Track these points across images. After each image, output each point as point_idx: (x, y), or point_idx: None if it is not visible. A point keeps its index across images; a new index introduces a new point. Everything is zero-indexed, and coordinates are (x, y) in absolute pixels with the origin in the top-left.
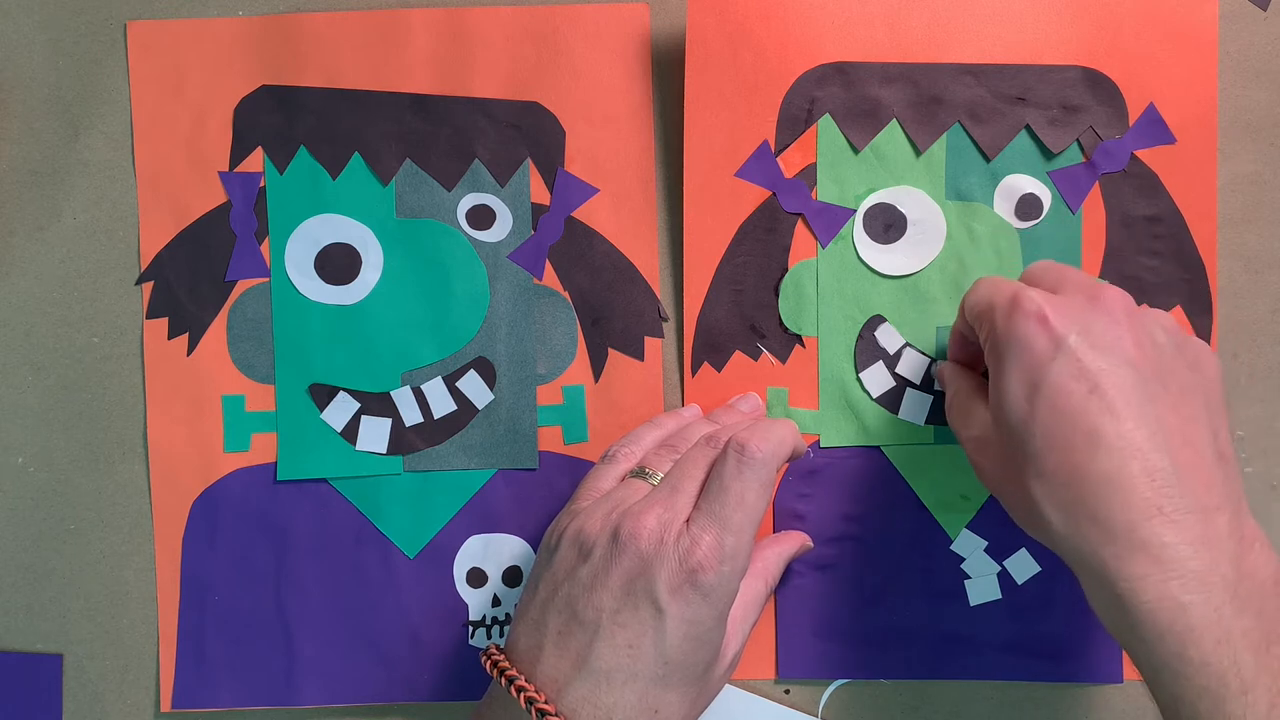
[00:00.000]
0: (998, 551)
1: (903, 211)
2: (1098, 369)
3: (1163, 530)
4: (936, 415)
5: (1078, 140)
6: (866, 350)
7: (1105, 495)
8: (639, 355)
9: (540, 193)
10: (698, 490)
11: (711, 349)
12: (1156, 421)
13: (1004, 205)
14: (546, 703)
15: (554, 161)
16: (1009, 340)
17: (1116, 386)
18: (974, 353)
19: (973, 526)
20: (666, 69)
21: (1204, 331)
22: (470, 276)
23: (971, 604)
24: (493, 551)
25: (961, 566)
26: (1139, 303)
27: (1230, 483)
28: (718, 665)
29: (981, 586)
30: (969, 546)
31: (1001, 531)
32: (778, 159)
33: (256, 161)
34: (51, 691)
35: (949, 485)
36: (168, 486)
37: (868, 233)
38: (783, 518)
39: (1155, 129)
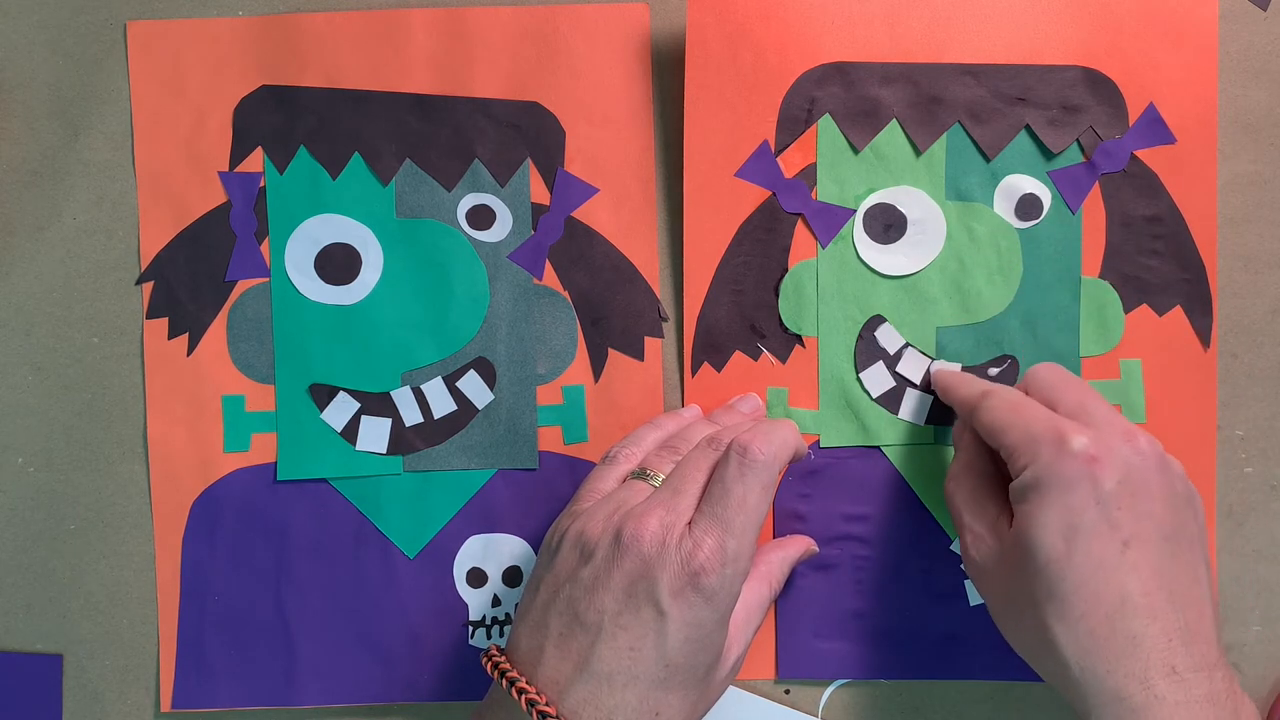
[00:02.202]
0: None
1: (903, 211)
2: (1133, 525)
3: (1175, 689)
4: (936, 415)
5: (1078, 140)
6: (866, 350)
7: (1127, 651)
8: (639, 355)
9: (540, 193)
10: (699, 492)
11: (711, 349)
12: (1174, 582)
13: (1004, 205)
14: (547, 704)
15: (554, 161)
16: (1053, 478)
17: (1146, 544)
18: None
19: None
20: (666, 69)
21: (1204, 331)
22: (470, 276)
23: (972, 604)
24: (493, 551)
25: (961, 567)
26: (1139, 303)
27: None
28: (720, 668)
29: None
30: None
31: None
32: (778, 159)
33: (256, 161)
34: (51, 691)
35: None
36: (168, 486)
37: (868, 233)
38: (783, 518)
39: (1155, 129)
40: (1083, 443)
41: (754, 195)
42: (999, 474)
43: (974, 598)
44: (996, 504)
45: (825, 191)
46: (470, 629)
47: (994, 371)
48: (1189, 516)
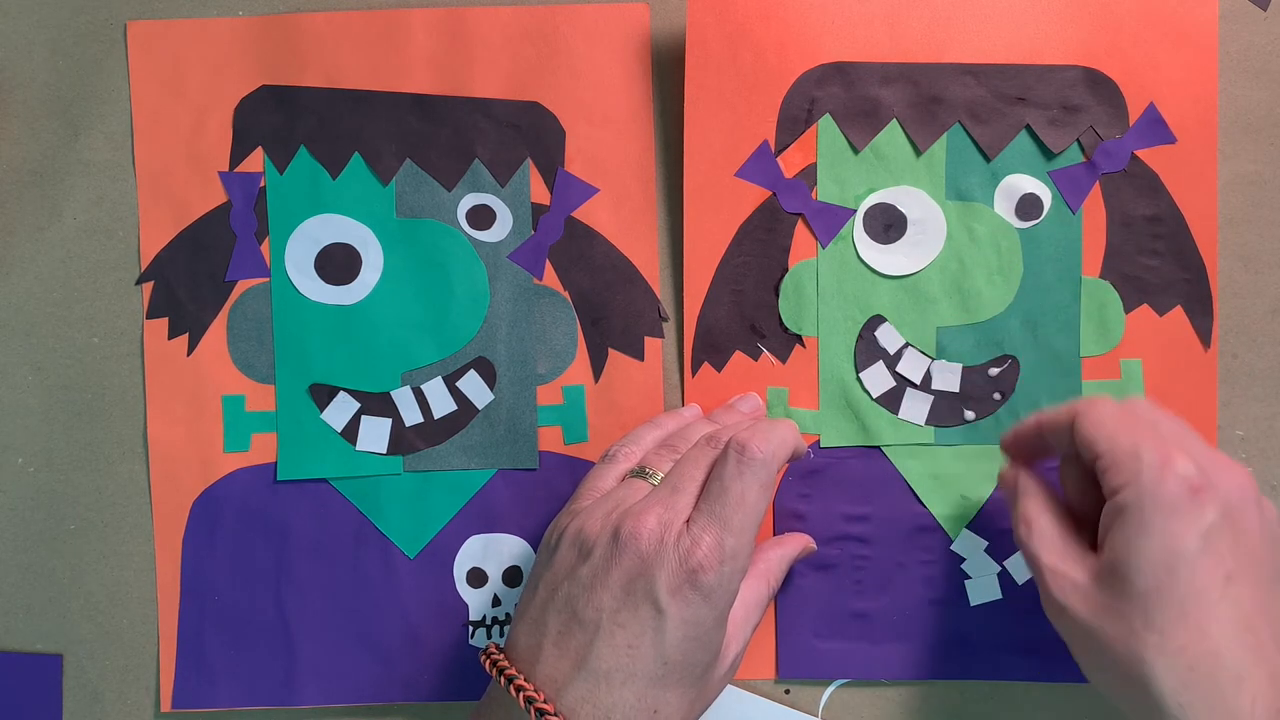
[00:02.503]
0: (998, 551)
1: (903, 211)
2: (1234, 560)
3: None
4: (936, 415)
5: (1078, 140)
6: (866, 350)
7: (1231, 690)
8: (639, 355)
9: (540, 193)
10: (698, 490)
11: (711, 349)
12: (1275, 624)
13: (1004, 205)
14: (545, 702)
15: (554, 161)
16: (1156, 503)
17: (1248, 581)
18: (1035, 454)
19: (973, 526)
20: (666, 69)
21: (1204, 331)
22: (470, 276)
23: (972, 604)
24: (493, 551)
25: (962, 567)
26: (1139, 303)
27: None
28: (718, 666)
29: (982, 586)
30: (969, 547)
31: (1001, 531)
32: (778, 159)
33: (256, 161)
34: (51, 691)
35: (949, 485)
36: (168, 486)
37: (868, 233)
38: (783, 518)
39: (1155, 129)
40: (1189, 469)
41: (754, 195)
42: (1074, 511)
43: (974, 598)
44: (1078, 541)
45: (825, 191)
46: (470, 629)
47: (994, 371)
48: (1278, 557)
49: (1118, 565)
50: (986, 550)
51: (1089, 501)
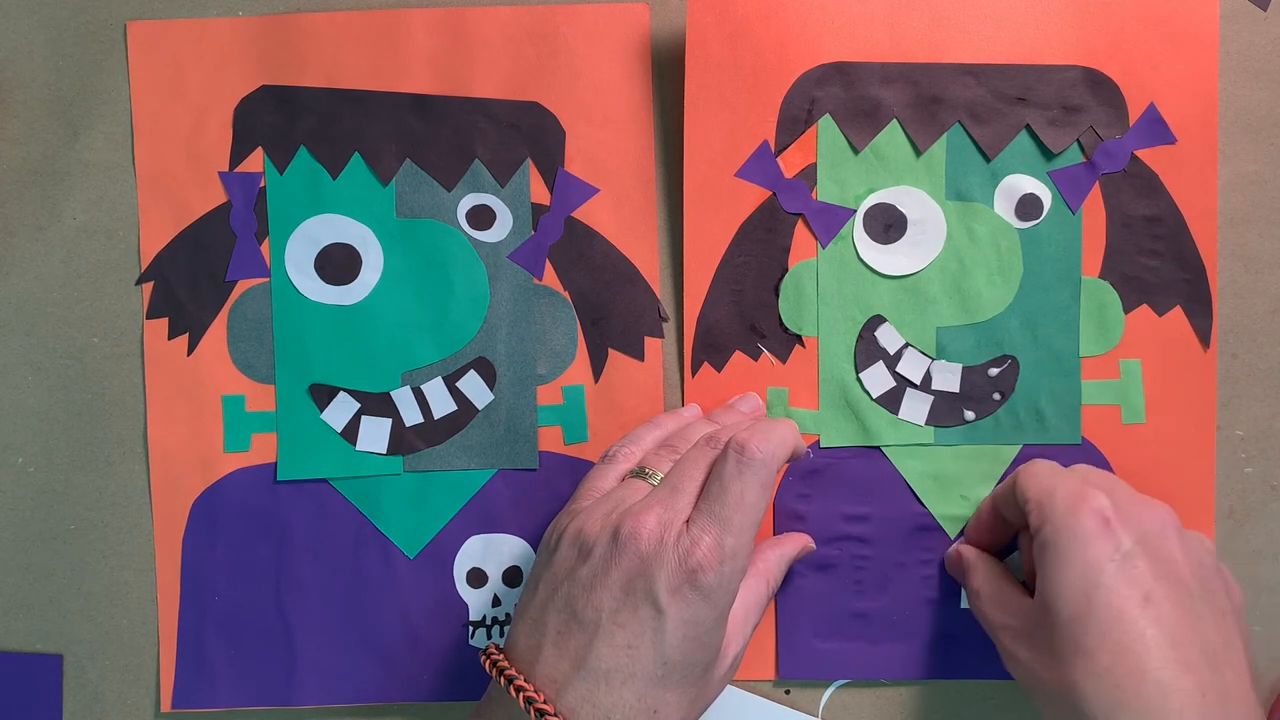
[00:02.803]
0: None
1: (903, 211)
2: (1152, 582)
3: None
4: (936, 415)
5: (1078, 140)
6: (866, 350)
7: (1157, 702)
8: (639, 355)
9: (540, 193)
10: (698, 490)
11: (711, 349)
12: (1206, 641)
13: (1004, 205)
14: (545, 702)
15: (554, 161)
16: (1070, 535)
17: (1169, 601)
18: (997, 536)
19: None
20: (666, 69)
21: (1204, 331)
22: (470, 276)
23: (962, 605)
24: (493, 551)
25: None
26: (1139, 303)
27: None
28: (718, 666)
29: None
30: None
31: None
32: (778, 159)
33: (256, 161)
34: (51, 691)
35: (949, 485)
36: (168, 486)
37: (868, 233)
38: (783, 518)
39: (1156, 129)
40: (1102, 502)
41: (754, 195)
42: (1030, 580)
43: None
44: (1019, 594)
45: (825, 191)
46: (470, 629)
47: (994, 371)
48: (1218, 588)
49: (1045, 599)
50: None
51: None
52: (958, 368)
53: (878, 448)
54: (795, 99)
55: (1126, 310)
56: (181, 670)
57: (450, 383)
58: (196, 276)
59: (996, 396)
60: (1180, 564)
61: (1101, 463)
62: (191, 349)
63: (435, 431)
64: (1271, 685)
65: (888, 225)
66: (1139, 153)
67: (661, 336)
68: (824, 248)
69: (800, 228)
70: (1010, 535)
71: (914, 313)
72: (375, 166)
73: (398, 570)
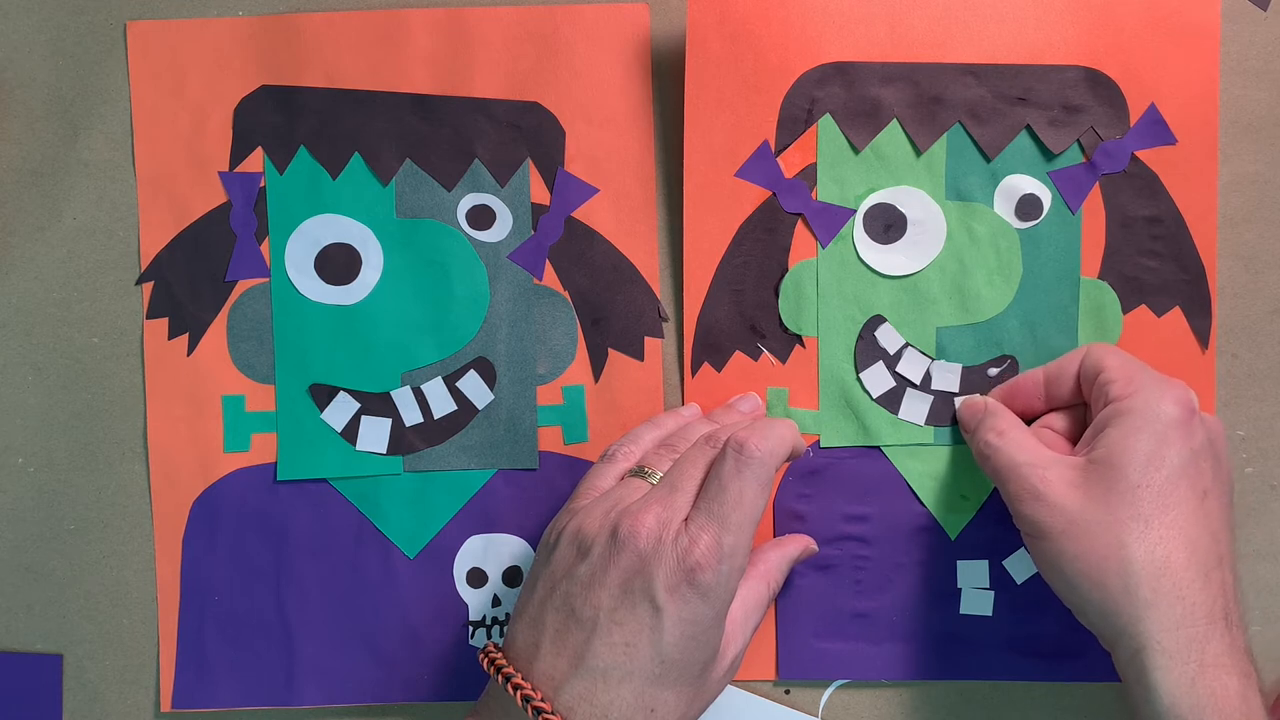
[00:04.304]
0: (995, 567)
1: (903, 211)
2: (1211, 480)
3: (1223, 634)
4: (936, 415)
5: (1078, 140)
6: (866, 350)
7: (1199, 583)
8: (639, 355)
9: (540, 193)
10: (696, 489)
11: (711, 349)
12: (1229, 543)
13: (1004, 205)
14: (543, 700)
15: (554, 161)
16: (1155, 412)
17: (1218, 502)
18: (1029, 407)
19: (972, 527)
20: (666, 69)
21: (1203, 332)
22: (470, 276)
23: (962, 613)
24: (493, 551)
25: (957, 584)
26: (1138, 304)
27: None
28: (716, 666)
29: (975, 599)
30: (968, 547)
31: (1001, 531)
32: (778, 159)
33: (256, 161)
34: (51, 691)
35: (949, 485)
36: (168, 486)
37: (868, 233)
38: (783, 518)
39: (1156, 129)
40: (1189, 395)
41: (754, 195)
42: (1050, 434)
43: (965, 607)
44: (1051, 441)
45: (825, 191)
46: (470, 629)
47: (994, 371)
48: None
49: (1112, 459)
50: (984, 554)
51: (1070, 438)
52: (957, 368)
53: (878, 448)
54: (795, 99)
55: (1125, 311)
56: (181, 670)
57: (450, 383)
58: (196, 276)
59: None
60: (1225, 472)
61: None
62: (191, 349)
63: (435, 431)
64: (1271, 685)
65: (888, 225)
66: (1139, 153)
67: (661, 336)
68: (824, 248)
69: (800, 228)
70: (1038, 413)
71: (914, 313)
72: (375, 166)
73: (398, 570)
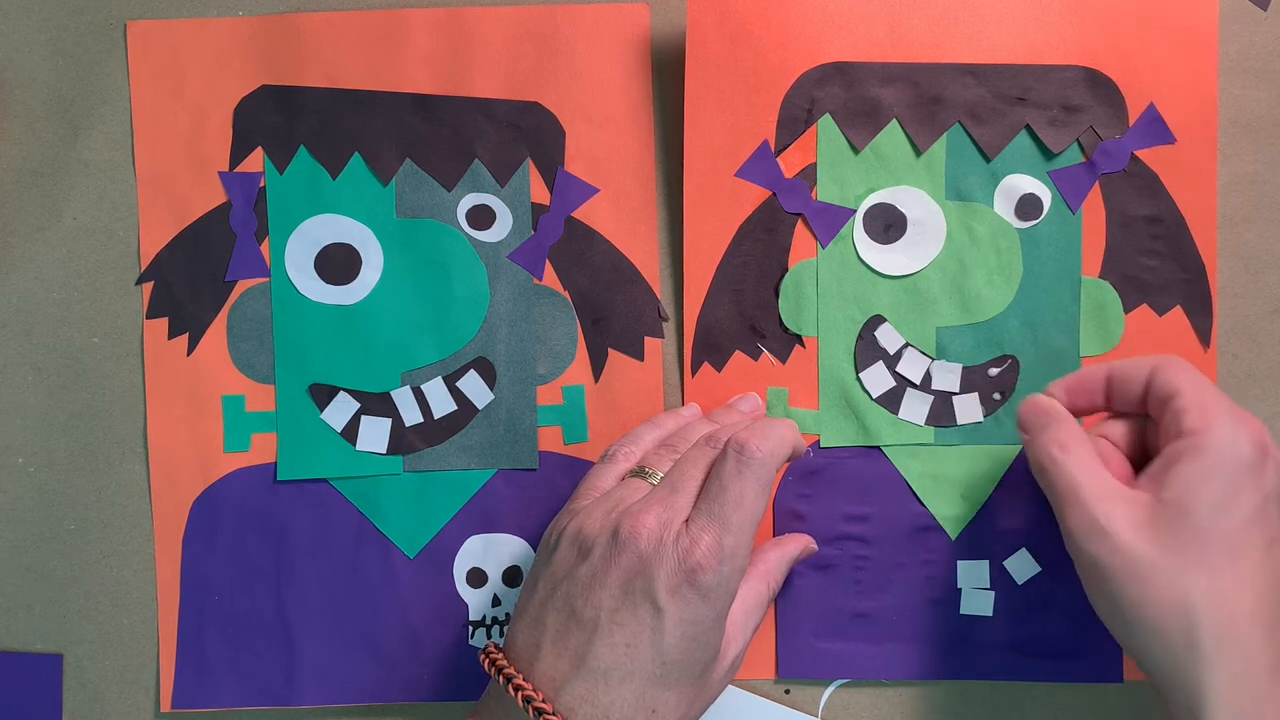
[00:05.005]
0: (998, 551)
1: (903, 211)
2: (1278, 526)
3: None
4: (936, 415)
5: (1078, 140)
6: (866, 350)
7: (1263, 644)
8: (639, 355)
9: (540, 193)
10: (697, 490)
11: (711, 349)
12: None
13: (1004, 205)
14: (544, 701)
15: (554, 161)
16: (1228, 453)
17: None
18: (1090, 405)
19: (972, 527)
20: (666, 69)
21: (1204, 331)
22: (470, 276)
23: (961, 613)
24: (493, 551)
25: (962, 561)
26: (1139, 303)
27: None
28: (717, 666)
29: (975, 599)
30: (968, 547)
31: (1001, 531)
32: (778, 159)
33: (256, 161)
34: (51, 691)
35: (949, 485)
36: (168, 486)
37: (868, 233)
38: (783, 518)
39: (1155, 129)
40: (1263, 435)
41: (754, 195)
42: (1110, 448)
43: (966, 607)
44: (1116, 467)
45: (825, 191)
46: (470, 629)
47: (994, 371)
48: None
49: (1183, 501)
50: (984, 556)
51: (1130, 453)
52: (958, 368)
53: (878, 448)
54: (795, 99)
55: (1126, 310)
56: (181, 670)
57: (450, 382)
58: (196, 276)
59: (997, 396)
60: None
61: None
62: (191, 349)
63: (435, 431)
64: None
65: (888, 225)
66: (1139, 153)
67: (661, 336)
68: (824, 248)
69: (800, 228)
70: (1098, 411)
71: (914, 313)
72: (375, 166)
73: (397, 570)
